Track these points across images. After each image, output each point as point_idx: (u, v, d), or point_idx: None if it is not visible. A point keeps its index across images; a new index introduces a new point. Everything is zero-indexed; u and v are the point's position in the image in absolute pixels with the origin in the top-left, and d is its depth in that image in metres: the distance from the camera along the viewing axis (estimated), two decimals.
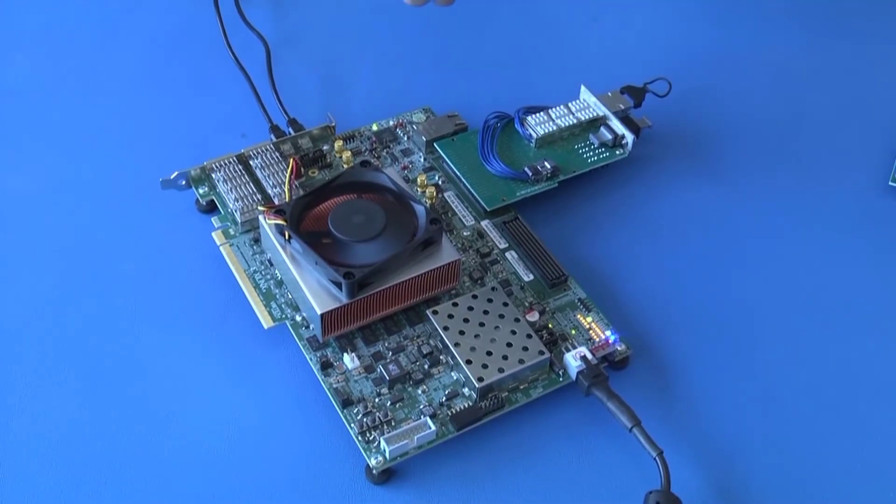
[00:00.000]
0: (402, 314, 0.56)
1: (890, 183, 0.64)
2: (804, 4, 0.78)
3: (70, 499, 0.50)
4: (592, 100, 0.65)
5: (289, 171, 0.60)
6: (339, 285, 0.52)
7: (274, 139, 0.63)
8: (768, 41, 0.75)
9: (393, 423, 0.51)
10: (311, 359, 0.54)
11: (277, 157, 0.62)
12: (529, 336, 0.53)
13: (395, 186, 0.56)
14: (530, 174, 0.61)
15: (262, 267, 0.58)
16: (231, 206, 0.60)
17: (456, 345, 0.53)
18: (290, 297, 0.56)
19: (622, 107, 0.65)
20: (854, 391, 0.55)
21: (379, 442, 0.50)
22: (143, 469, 0.51)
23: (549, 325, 0.56)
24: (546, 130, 0.64)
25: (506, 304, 0.55)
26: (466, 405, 0.52)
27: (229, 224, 0.60)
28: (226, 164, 0.61)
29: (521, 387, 0.53)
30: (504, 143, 0.64)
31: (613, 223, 0.63)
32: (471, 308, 0.55)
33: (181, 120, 0.68)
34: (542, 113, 0.65)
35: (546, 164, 0.62)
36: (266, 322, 0.55)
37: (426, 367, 0.54)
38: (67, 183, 0.64)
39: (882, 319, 0.58)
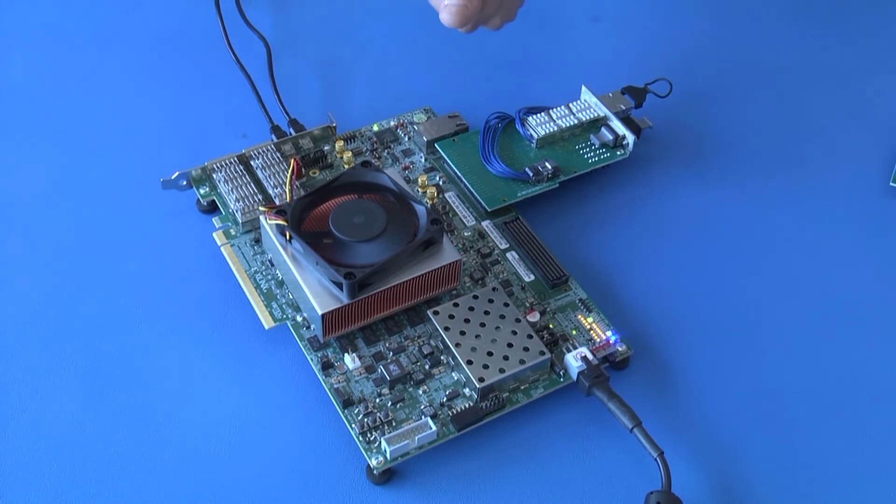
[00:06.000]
0: (402, 314, 0.56)
1: (891, 184, 0.64)
2: (806, 6, 0.78)
3: (71, 498, 0.50)
4: (593, 100, 0.65)
5: (290, 171, 0.60)
6: (339, 285, 0.52)
7: (275, 139, 0.64)
8: (770, 42, 0.75)
9: (394, 424, 0.51)
10: (311, 359, 0.54)
11: (278, 158, 0.62)
12: (530, 336, 0.53)
13: (396, 187, 0.56)
14: (531, 174, 0.61)
15: (263, 267, 0.58)
16: (232, 206, 0.60)
17: (457, 345, 0.53)
18: (290, 297, 0.56)
19: (623, 107, 0.65)
20: (855, 392, 0.55)
21: (380, 442, 0.50)
22: (143, 469, 0.51)
23: (550, 326, 0.56)
24: (547, 131, 0.64)
25: (507, 305, 0.55)
26: (467, 405, 0.52)
27: (230, 224, 0.60)
28: (227, 164, 0.61)
29: (522, 387, 0.53)
30: (505, 144, 0.64)
31: (614, 223, 0.63)
32: (472, 308, 0.55)
33: (182, 120, 0.68)
34: (542, 113, 0.65)
35: (547, 164, 0.62)
36: (267, 322, 0.55)
37: (427, 367, 0.54)
38: (68, 183, 0.64)
39: (883, 320, 0.58)
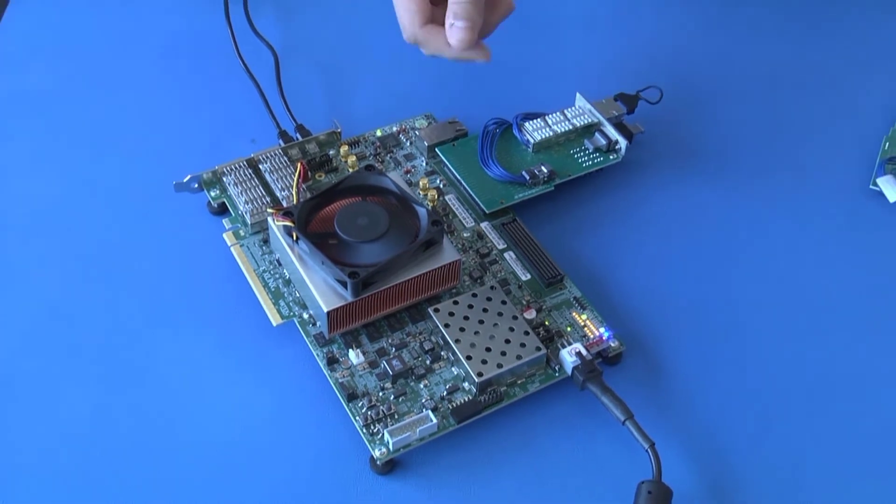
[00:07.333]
0: (404, 312, 0.56)
1: (871, 186, 0.64)
2: (791, 16, 0.78)
3: (85, 487, 0.50)
4: (587, 106, 0.65)
5: (296, 174, 0.60)
6: (344, 284, 0.52)
7: (282, 144, 0.63)
8: (756, 51, 0.75)
9: (396, 416, 0.51)
10: (317, 354, 0.54)
11: (286, 162, 0.62)
12: (527, 333, 0.53)
13: (398, 189, 0.56)
14: (528, 178, 0.61)
15: (271, 266, 0.58)
16: (241, 208, 0.59)
17: (456, 341, 0.53)
18: (297, 295, 0.56)
19: (616, 113, 0.65)
20: (839, 385, 0.55)
21: (383, 434, 0.50)
22: (157, 458, 0.51)
23: (546, 323, 0.56)
24: (543, 136, 0.63)
25: (504, 303, 0.55)
26: (466, 399, 0.52)
27: (240, 225, 0.60)
28: (236, 167, 0.61)
29: (519, 381, 0.53)
30: (503, 148, 0.64)
31: (607, 225, 0.62)
32: (471, 306, 0.55)
33: (194, 126, 0.68)
34: (539, 119, 0.64)
35: (543, 168, 0.62)
36: (275, 319, 0.55)
37: (428, 362, 0.54)
38: (86, 186, 0.64)
39: (866, 316, 0.58)
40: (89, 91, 0.70)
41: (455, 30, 0.55)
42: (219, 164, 0.61)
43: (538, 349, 0.53)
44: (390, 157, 0.65)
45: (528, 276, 0.58)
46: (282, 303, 0.56)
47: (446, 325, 0.54)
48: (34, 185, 0.64)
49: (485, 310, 0.54)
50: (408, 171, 0.64)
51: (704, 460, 0.51)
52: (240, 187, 0.60)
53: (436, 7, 0.56)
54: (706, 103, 0.70)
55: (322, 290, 0.53)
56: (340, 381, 0.53)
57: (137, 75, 0.72)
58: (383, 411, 0.51)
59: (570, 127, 0.64)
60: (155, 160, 0.65)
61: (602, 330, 0.55)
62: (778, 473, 0.51)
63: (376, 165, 0.59)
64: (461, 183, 0.62)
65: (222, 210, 0.61)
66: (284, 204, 0.59)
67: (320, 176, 0.63)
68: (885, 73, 0.73)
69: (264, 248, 0.59)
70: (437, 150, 0.64)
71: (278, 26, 0.75)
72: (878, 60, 0.74)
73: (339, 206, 0.56)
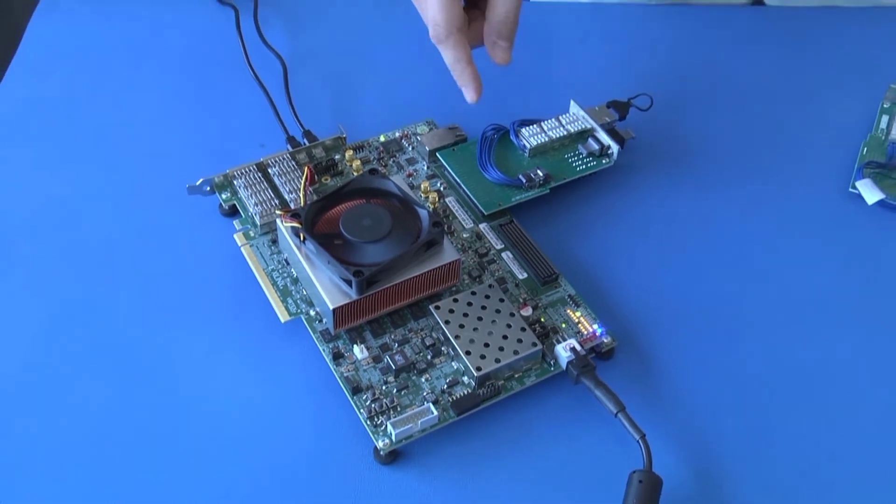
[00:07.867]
0: (406, 309, 0.56)
1: (850, 189, 0.64)
2: (774, 31, 0.77)
3: (96, 480, 0.50)
4: (581, 113, 0.65)
5: (304, 178, 0.60)
6: (349, 283, 0.52)
7: (290, 149, 0.64)
8: (742, 62, 0.75)
9: (398, 409, 0.52)
10: (323, 350, 0.54)
11: (293, 166, 0.62)
12: (523, 329, 0.54)
13: (401, 192, 0.57)
14: (524, 181, 0.62)
15: (280, 266, 0.58)
16: (251, 210, 0.60)
17: (456, 337, 0.53)
18: (304, 293, 0.57)
19: (608, 120, 0.65)
20: (821, 377, 0.55)
21: (386, 426, 0.51)
22: (171, 449, 0.51)
23: (542, 319, 0.56)
24: (539, 141, 0.64)
25: (502, 300, 0.55)
26: (466, 392, 0.52)
27: (249, 227, 0.60)
28: (246, 171, 0.62)
29: (516, 375, 0.53)
30: (500, 153, 0.64)
31: (600, 226, 0.63)
32: (470, 304, 0.55)
33: (206, 131, 0.68)
34: (535, 125, 0.65)
35: (539, 171, 0.62)
36: (283, 316, 0.56)
37: (429, 357, 0.54)
38: (103, 189, 0.64)
39: (845, 310, 0.58)
40: (107, 97, 0.71)
41: (499, 49, 0.56)
42: (230, 167, 0.62)
43: (534, 345, 0.53)
44: (393, 162, 0.65)
45: (525, 275, 0.58)
46: (289, 300, 0.56)
47: (446, 322, 0.54)
48: (52, 187, 0.64)
49: (483, 307, 0.55)
50: (410, 175, 0.64)
51: (693, 450, 0.52)
52: (250, 190, 0.61)
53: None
54: (694, 110, 0.70)
55: (328, 289, 0.53)
56: (345, 375, 0.53)
57: (153, 83, 0.72)
58: (386, 404, 0.52)
59: (565, 133, 0.64)
60: (169, 164, 0.66)
61: (595, 326, 0.55)
62: (763, 463, 0.51)
63: (380, 169, 0.59)
64: (461, 186, 0.63)
65: (233, 212, 0.62)
66: (292, 206, 0.60)
67: (326, 179, 0.63)
68: (863, 82, 0.72)
69: (273, 248, 0.59)
70: (437, 154, 0.64)
71: (286, 37, 0.75)
72: (857, 70, 0.74)
73: (344, 208, 0.56)
